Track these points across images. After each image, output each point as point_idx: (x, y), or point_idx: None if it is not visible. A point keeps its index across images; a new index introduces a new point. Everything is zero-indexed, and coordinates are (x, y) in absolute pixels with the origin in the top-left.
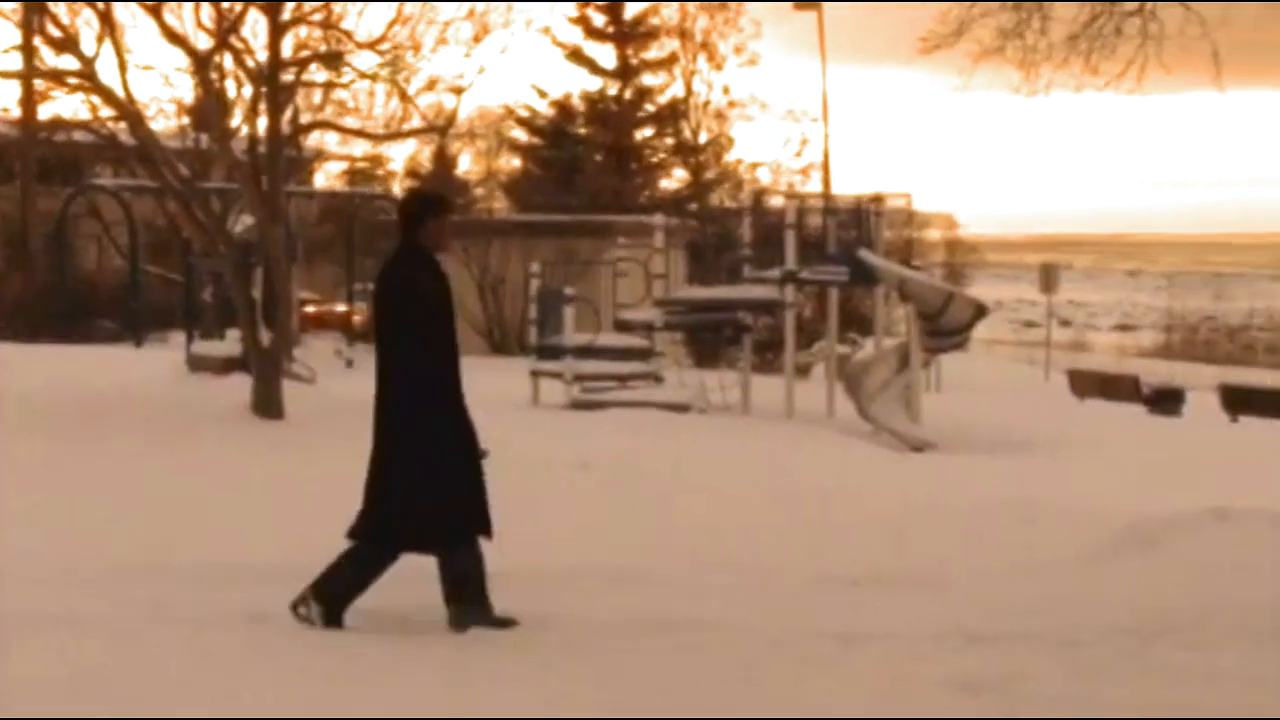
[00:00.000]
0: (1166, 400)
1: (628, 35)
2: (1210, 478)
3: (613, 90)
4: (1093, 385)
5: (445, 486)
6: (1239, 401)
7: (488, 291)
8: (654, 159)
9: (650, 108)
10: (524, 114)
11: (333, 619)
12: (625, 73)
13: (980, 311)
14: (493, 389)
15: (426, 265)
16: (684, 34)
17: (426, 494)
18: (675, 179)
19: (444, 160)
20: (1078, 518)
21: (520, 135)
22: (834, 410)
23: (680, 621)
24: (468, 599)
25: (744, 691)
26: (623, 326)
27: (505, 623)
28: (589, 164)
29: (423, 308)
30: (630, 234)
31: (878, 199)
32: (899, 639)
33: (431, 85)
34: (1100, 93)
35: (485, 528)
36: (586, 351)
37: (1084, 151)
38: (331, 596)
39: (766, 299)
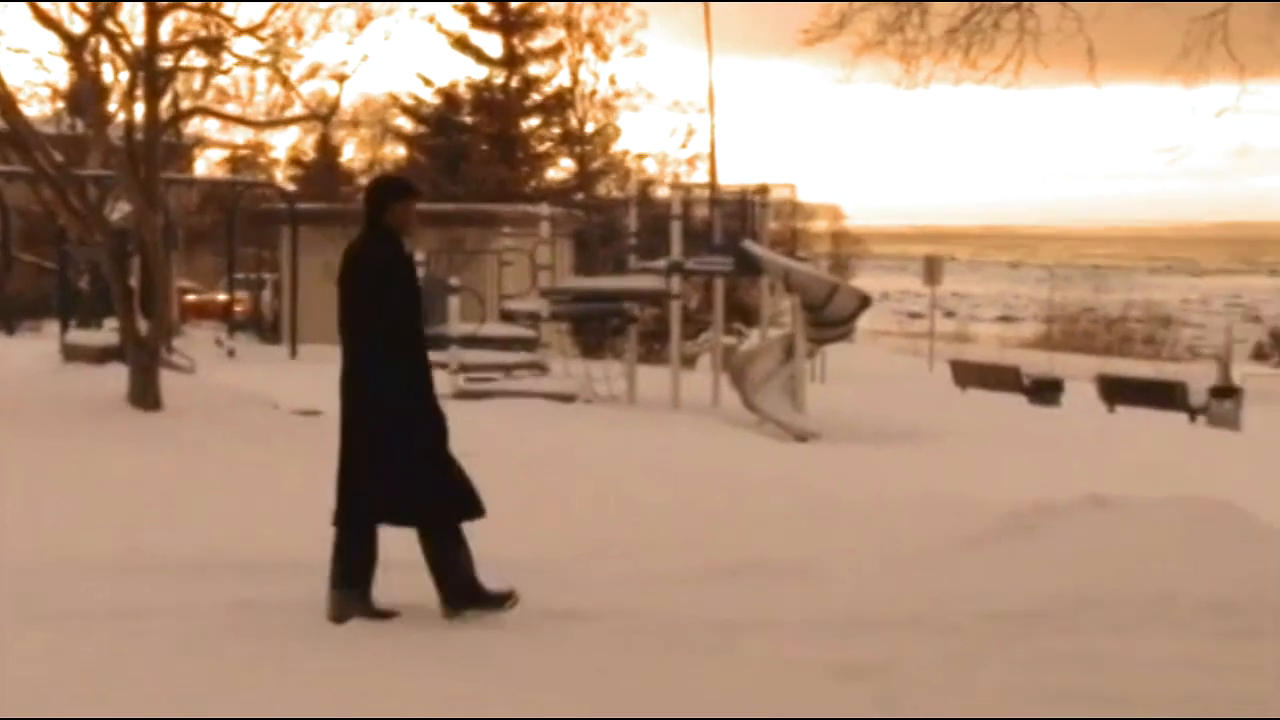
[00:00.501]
0: (1046, 390)
1: (514, 24)
2: (1088, 466)
3: (499, 79)
4: (975, 375)
5: (419, 466)
6: (1116, 391)
7: None
8: (540, 149)
9: (537, 97)
10: (409, 102)
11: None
12: (511, 62)
13: (864, 302)
14: None
15: (392, 247)
16: (570, 24)
17: (400, 472)
18: (562, 169)
19: (327, 148)
20: (958, 506)
21: (405, 124)
22: (719, 400)
23: (564, 611)
24: (456, 587)
25: (629, 680)
26: (508, 316)
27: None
28: (475, 153)
29: (390, 289)
30: (516, 224)
31: (763, 190)
32: (782, 627)
33: (314, 72)
34: (979, 87)
35: (473, 510)
36: (471, 341)
37: (968, 145)
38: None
39: (652, 289)
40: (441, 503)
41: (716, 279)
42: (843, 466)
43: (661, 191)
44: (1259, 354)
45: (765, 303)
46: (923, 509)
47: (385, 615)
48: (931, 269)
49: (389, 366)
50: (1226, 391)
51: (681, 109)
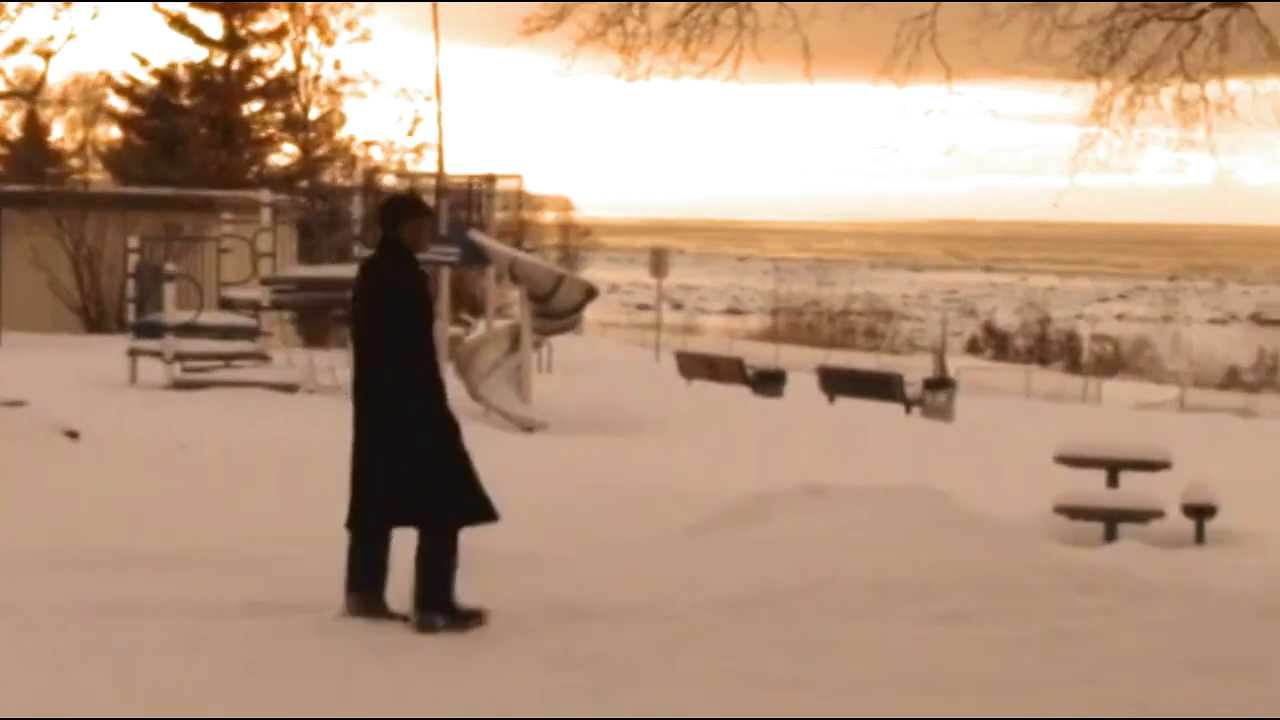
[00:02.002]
0: (769, 382)
1: (235, 5)
2: (807, 456)
3: (219, 61)
4: (700, 367)
5: (428, 470)
6: (835, 383)
7: (83, 266)
8: (263, 134)
9: (259, 81)
10: (124, 82)
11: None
12: (232, 44)
13: (590, 293)
14: (89, 368)
15: (406, 262)
16: (293, 7)
17: (409, 477)
18: (285, 155)
19: (35, 128)
20: (681, 495)
21: (120, 104)
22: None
23: (273, 604)
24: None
25: (335, 672)
26: (228, 305)
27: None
28: (193, 137)
29: (408, 305)
30: (236, 210)
31: (490, 180)
32: (499, 617)
33: (17, 47)
34: (699, 81)
35: (486, 514)
36: (188, 330)
37: (698, 139)
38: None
39: None
40: (444, 506)
41: (442, 269)
42: (568, 457)
43: (388, 180)
44: (973, 347)
45: (491, 293)
46: (645, 499)
47: (396, 618)
48: (658, 261)
49: (403, 377)
50: (940, 383)
51: (408, 97)
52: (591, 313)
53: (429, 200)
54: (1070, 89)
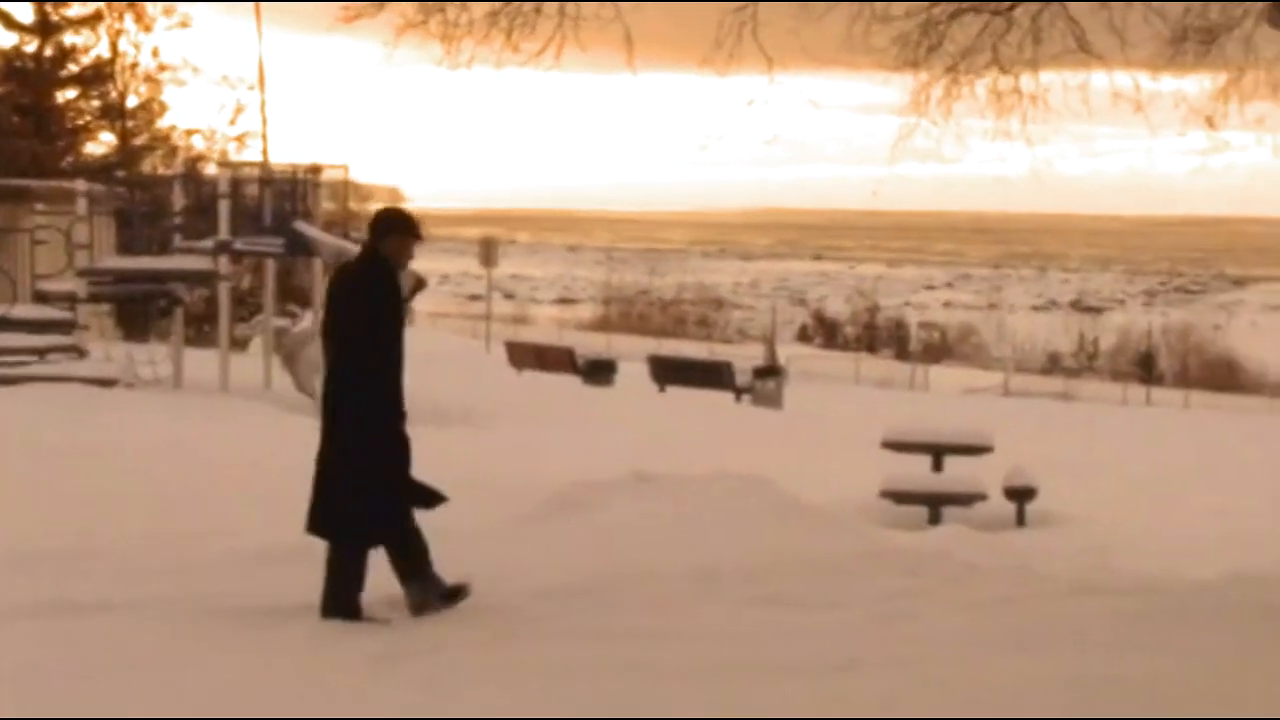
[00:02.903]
0: (599, 371)
1: None
2: (637, 444)
3: (31, 47)
4: (530, 357)
5: (382, 483)
6: (666, 372)
7: None
8: (78, 122)
9: (74, 68)
10: None
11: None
12: (45, 29)
13: (420, 284)
14: None
15: (383, 275)
16: None
17: (367, 489)
18: (102, 143)
19: None
20: (511, 485)
21: None
22: (271, 383)
23: (98, 603)
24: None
25: (168, 669)
26: (42, 298)
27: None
28: (4, 125)
29: (380, 317)
30: (50, 200)
31: (315, 170)
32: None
33: None
34: (522, 70)
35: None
36: (1, 324)
37: (527, 130)
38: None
39: (200, 270)
40: (349, 524)
41: (267, 260)
42: None
43: (210, 169)
44: (803, 335)
45: (319, 284)
46: (473, 489)
47: (372, 620)
48: (487, 252)
49: (364, 387)
50: (769, 371)
51: (230, 84)
52: (422, 303)
53: (253, 191)
54: (888, 79)
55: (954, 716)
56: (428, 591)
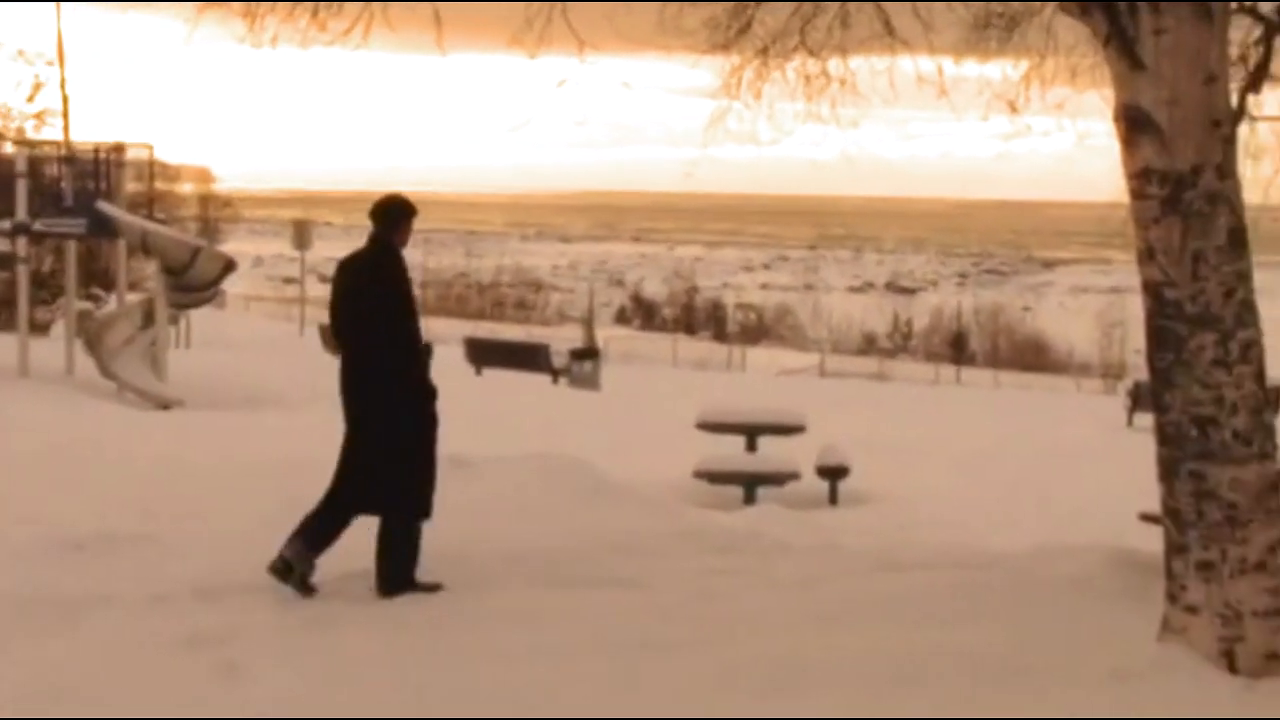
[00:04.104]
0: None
1: None
2: (454, 427)
3: None
4: None
5: (409, 463)
6: (482, 354)
7: None
8: None
9: None
10: None
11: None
12: None
13: (229, 266)
14: None
15: (396, 261)
16: None
17: (392, 468)
18: None
19: None
20: (322, 471)
21: None
22: (74, 368)
23: None
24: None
25: None
26: None
27: (432, 587)
28: None
29: (394, 301)
30: None
31: (119, 149)
32: (126, 601)
33: None
34: (329, 49)
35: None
36: None
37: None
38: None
39: None
40: (407, 499)
41: (69, 241)
42: (204, 434)
43: (6, 148)
44: (622, 317)
45: (122, 266)
46: (283, 475)
47: (311, 591)
48: (301, 234)
49: (397, 374)
50: (587, 353)
51: (28, 60)
52: (234, 286)
53: (53, 171)
54: (700, 62)
55: (768, 690)
56: (400, 583)
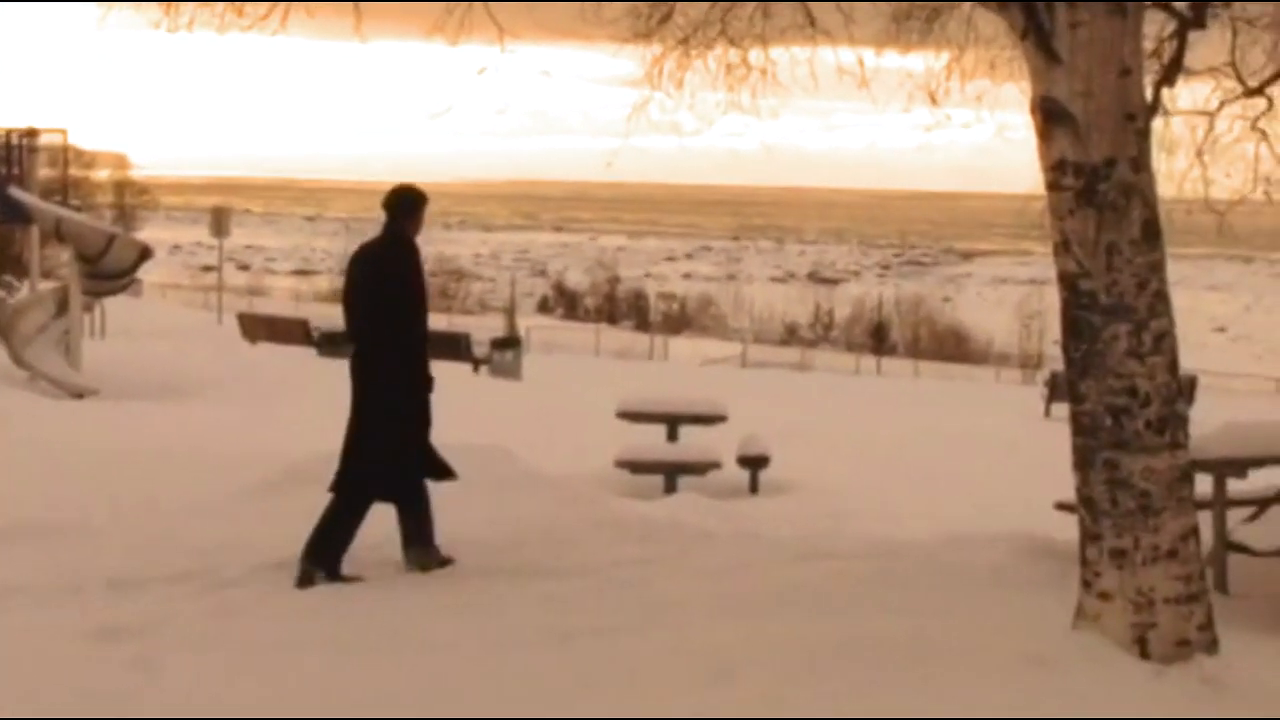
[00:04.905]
0: (334, 343)
1: None
2: None
3: None
4: (264, 329)
5: (406, 446)
6: None
7: None
8: None
9: None
10: None
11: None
12: None
13: (145, 254)
14: None
15: (407, 253)
16: None
17: (401, 452)
18: None
19: None
20: (240, 459)
21: None
22: None
23: None
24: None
25: None
26: None
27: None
28: None
29: (407, 292)
30: None
31: (31, 133)
32: (42, 591)
33: None
34: (246, 34)
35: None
36: None
37: (261, 97)
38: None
39: None
40: (406, 479)
41: None
42: (120, 423)
43: None
44: (544, 307)
45: (35, 254)
46: (199, 464)
47: (350, 580)
48: (219, 221)
49: (399, 361)
50: (508, 342)
51: None
52: (151, 274)
53: None
54: (621, 51)
55: (686, 678)
56: (429, 555)
